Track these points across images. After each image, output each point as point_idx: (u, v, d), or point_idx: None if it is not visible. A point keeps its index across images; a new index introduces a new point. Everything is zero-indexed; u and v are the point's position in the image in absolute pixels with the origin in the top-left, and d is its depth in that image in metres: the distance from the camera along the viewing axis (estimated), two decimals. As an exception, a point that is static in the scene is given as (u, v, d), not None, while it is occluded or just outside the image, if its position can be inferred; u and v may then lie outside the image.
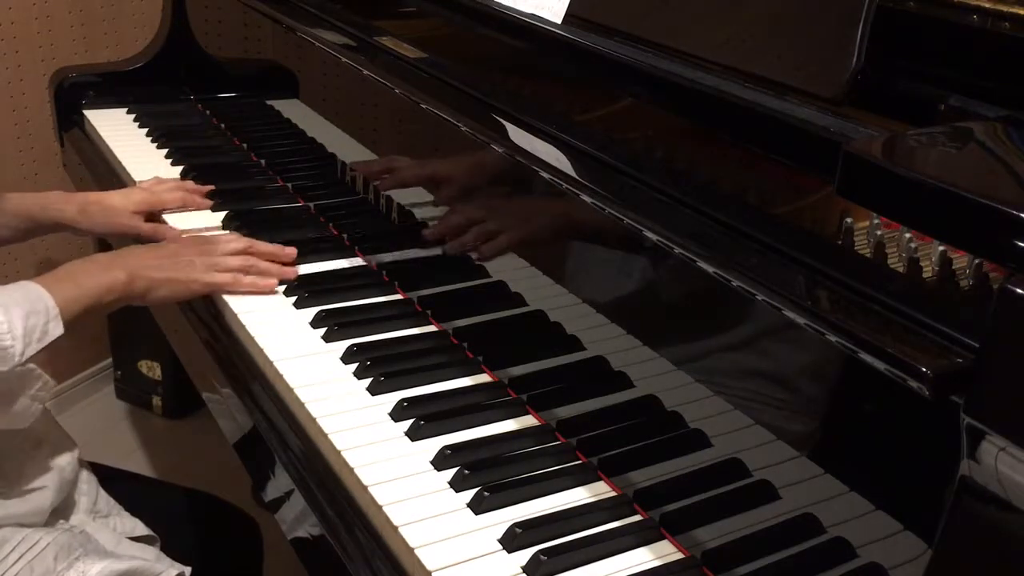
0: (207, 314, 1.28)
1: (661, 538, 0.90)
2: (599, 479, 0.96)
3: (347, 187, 1.50)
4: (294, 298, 1.25)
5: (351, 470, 0.95)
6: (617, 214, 0.94)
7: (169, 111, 1.91)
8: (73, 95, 1.93)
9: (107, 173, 1.72)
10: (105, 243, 1.65)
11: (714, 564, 0.86)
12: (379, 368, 1.10)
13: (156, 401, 2.53)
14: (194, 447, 2.39)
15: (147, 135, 1.79)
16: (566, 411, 1.03)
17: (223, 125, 1.86)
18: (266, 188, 1.60)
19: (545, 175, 1.03)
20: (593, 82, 1.14)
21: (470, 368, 1.12)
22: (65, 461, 1.19)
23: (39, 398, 1.07)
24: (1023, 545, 0.60)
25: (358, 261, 1.36)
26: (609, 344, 1.02)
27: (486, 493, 0.92)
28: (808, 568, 0.81)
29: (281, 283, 1.28)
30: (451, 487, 0.94)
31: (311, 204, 1.51)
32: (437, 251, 1.27)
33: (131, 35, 2.41)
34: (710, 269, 0.83)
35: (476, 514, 0.91)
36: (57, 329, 1.07)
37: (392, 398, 1.06)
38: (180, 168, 1.66)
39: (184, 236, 1.39)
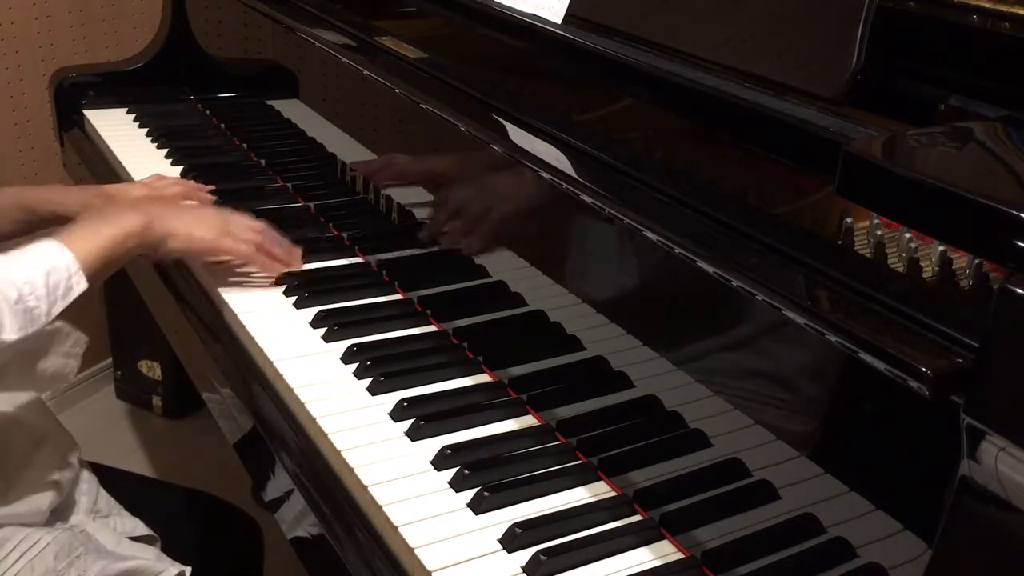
0: (207, 314, 1.28)
1: (661, 538, 0.90)
2: (599, 479, 0.96)
3: (347, 187, 1.50)
4: (294, 298, 1.25)
5: (351, 470, 0.95)
6: (617, 214, 0.94)
7: (169, 111, 1.91)
8: (73, 95, 1.93)
9: (107, 173, 1.72)
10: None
11: (714, 564, 0.86)
12: (379, 368, 1.10)
13: (156, 401, 2.53)
14: (194, 447, 2.39)
15: (147, 135, 1.79)
16: (566, 411, 1.03)
17: (223, 125, 1.86)
18: (266, 188, 1.60)
19: (545, 175, 1.03)
20: (593, 82, 1.14)
21: (470, 368, 1.12)
22: (66, 460, 1.19)
23: (73, 354, 1.06)
24: (1023, 545, 0.60)
25: (358, 261, 1.36)
26: (609, 344, 1.02)
27: (486, 493, 0.92)
28: (808, 568, 0.81)
29: (280, 283, 1.28)
30: (451, 487, 0.94)
31: (311, 204, 1.51)
32: (437, 251, 1.27)
33: (131, 35, 2.41)
34: (710, 269, 0.83)
35: (476, 514, 0.91)
36: (81, 284, 1.06)
37: (392, 398, 1.06)
38: (180, 168, 1.66)
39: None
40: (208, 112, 1.92)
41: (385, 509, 0.90)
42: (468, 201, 1.23)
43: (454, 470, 0.95)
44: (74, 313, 1.07)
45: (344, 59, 1.41)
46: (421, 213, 1.31)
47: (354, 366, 1.11)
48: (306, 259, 1.33)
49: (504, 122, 1.12)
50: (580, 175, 0.99)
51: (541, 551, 0.86)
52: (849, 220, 0.81)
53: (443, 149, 1.27)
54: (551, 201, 1.07)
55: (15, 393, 1.15)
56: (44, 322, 1.02)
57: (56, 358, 1.05)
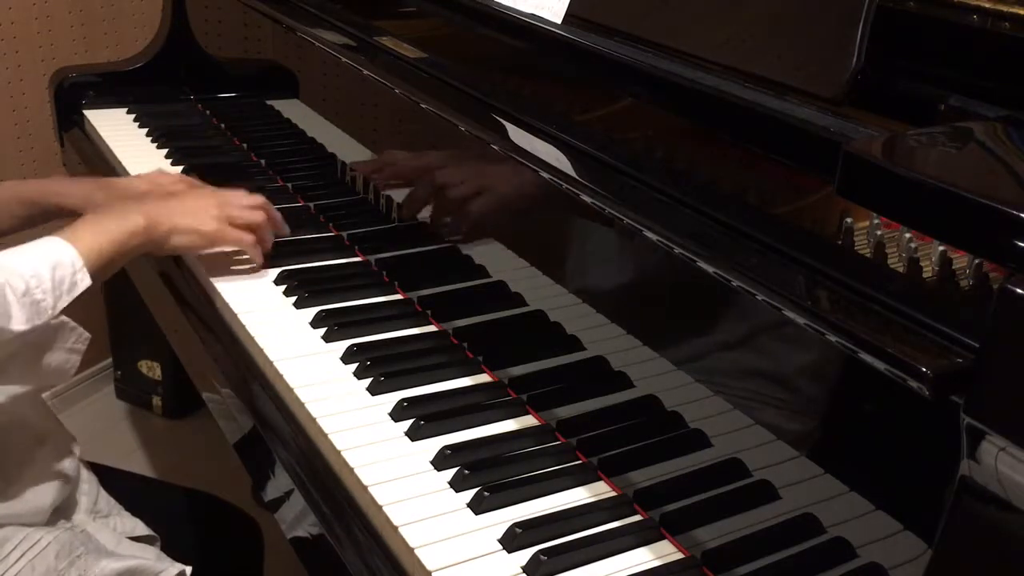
0: (207, 314, 1.28)
1: (661, 538, 0.90)
2: (599, 479, 0.96)
3: (347, 187, 1.50)
4: (294, 298, 1.25)
5: (351, 470, 0.95)
6: (617, 214, 0.94)
7: (169, 111, 1.91)
8: (73, 95, 1.93)
9: (107, 173, 1.72)
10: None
11: (714, 564, 0.86)
12: (379, 368, 1.10)
13: (156, 401, 2.53)
14: (194, 447, 2.39)
15: (147, 135, 1.79)
16: (566, 411, 1.03)
17: (223, 125, 1.86)
18: (266, 188, 1.59)
19: (545, 175, 1.03)
20: (593, 82, 1.14)
21: (470, 368, 1.12)
22: (66, 460, 1.19)
23: (75, 350, 1.07)
24: (1023, 545, 0.60)
25: (358, 261, 1.36)
26: (609, 344, 1.02)
27: (486, 493, 0.92)
28: (808, 568, 0.81)
29: (281, 283, 1.28)
30: (451, 487, 0.94)
31: (311, 204, 1.51)
32: (438, 251, 1.27)
33: (131, 35, 2.41)
34: (710, 269, 0.83)
35: (476, 514, 0.91)
36: (85, 280, 1.07)
37: (392, 398, 1.06)
38: (180, 168, 1.66)
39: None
40: (208, 112, 1.92)
41: (385, 509, 0.90)
42: (467, 199, 1.23)
43: (454, 470, 0.95)
44: (75, 313, 1.08)
45: (344, 59, 1.41)
46: (421, 213, 1.31)
47: (354, 366, 1.11)
48: (307, 259, 1.34)
49: (504, 122, 1.12)
50: (580, 175, 0.99)
51: (541, 551, 0.86)
52: (849, 220, 0.81)
53: (443, 149, 1.27)
54: (551, 201, 1.07)
55: (16, 392, 1.15)
56: (49, 316, 1.02)
57: (59, 353, 1.06)
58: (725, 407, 0.88)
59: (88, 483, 1.26)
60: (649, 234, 0.90)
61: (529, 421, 1.05)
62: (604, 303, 1.03)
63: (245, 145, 1.75)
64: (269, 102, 1.78)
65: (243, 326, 1.19)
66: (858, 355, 0.69)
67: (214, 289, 1.27)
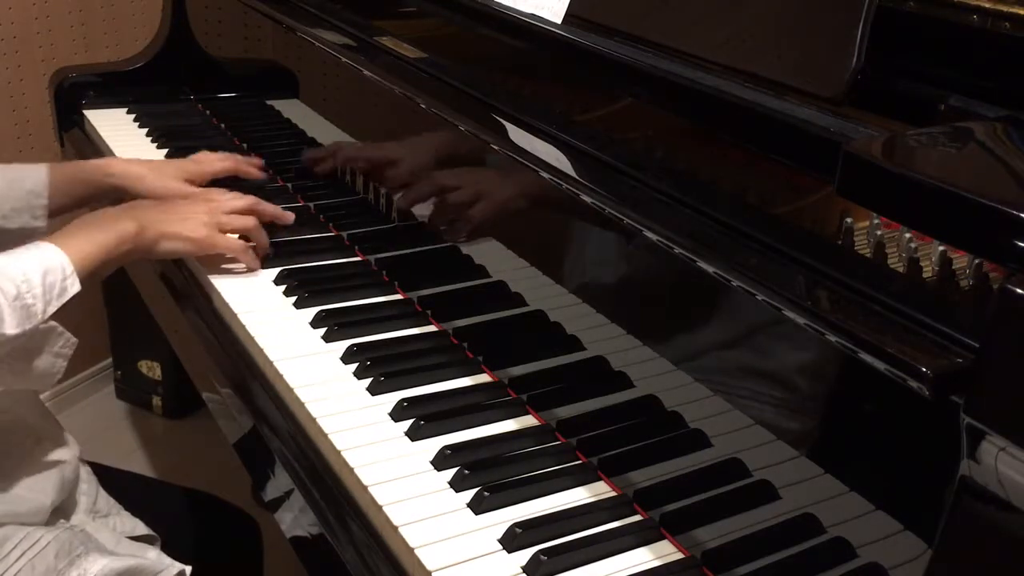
0: (207, 314, 1.28)
1: (661, 538, 0.90)
2: (599, 479, 0.96)
3: (347, 187, 1.50)
4: (294, 298, 1.25)
5: (351, 470, 0.95)
6: (617, 214, 0.94)
7: (169, 111, 1.91)
8: (73, 95, 1.93)
9: (107, 173, 1.72)
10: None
11: (714, 564, 0.86)
12: (379, 368, 1.10)
13: (156, 401, 2.53)
14: (194, 447, 2.39)
15: (147, 135, 1.79)
16: (566, 411, 1.03)
17: (223, 125, 1.86)
18: (266, 188, 1.59)
19: (545, 175, 1.03)
20: (593, 82, 1.14)
21: (470, 368, 1.12)
22: (66, 460, 1.19)
23: (62, 355, 1.08)
24: (1023, 545, 0.60)
25: (358, 261, 1.36)
26: (609, 344, 1.02)
27: (486, 493, 0.92)
28: (808, 568, 0.81)
29: (281, 282, 1.28)
30: (451, 487, 0.94)
31: (311, 204, 1.51)
32: (438, 251, 1.27)
33: (131, 35, 2.41)
34: (710, 269, 0.83)
35: (476, 514, 0.91)
36: (74, 286, 1.07)
37: (392, 398, 1.06)
38: (180, 168, 1.66)
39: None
40: (208, 112, 1.92)
41: (385, 509, 0.90)
42: (467, 200, 1.23)
43: (454, 470, 0.95)
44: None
45: (344, 59, 1.41)
46: (421, 213, 1.31)
47: (354, 366, 1.11)
48: (307, 259, 1.34)
49: (504, 122, 1.12)
50: (580, 175, 0.99)
51: (541, 551, 0.86)
52: (849, 220, 0.81)
53: (443, 149, 1.27)
54: (551, 201, 1.07)
55: (14, 392, 1.15)
56: (39, 320, 1.03)
57: (47, 357, 1.06)
58: (725, 407, 0.88)
59: (88, 483, 1.26)
60: (649, 234, 0.90)
61: (529, 421, 1.05)
62: (604, 303, 1.03)
63: (245, 145, 1.75)
64: (269, 102, 1.78)
65: (243, 326, 1.19)
66: (858, 355, 0.69)
67: (214, 289, 1.27)
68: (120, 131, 1.82)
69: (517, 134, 1.09)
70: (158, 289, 1.39)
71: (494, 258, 1.18)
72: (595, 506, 0.93)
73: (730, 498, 0.87)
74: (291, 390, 1.07)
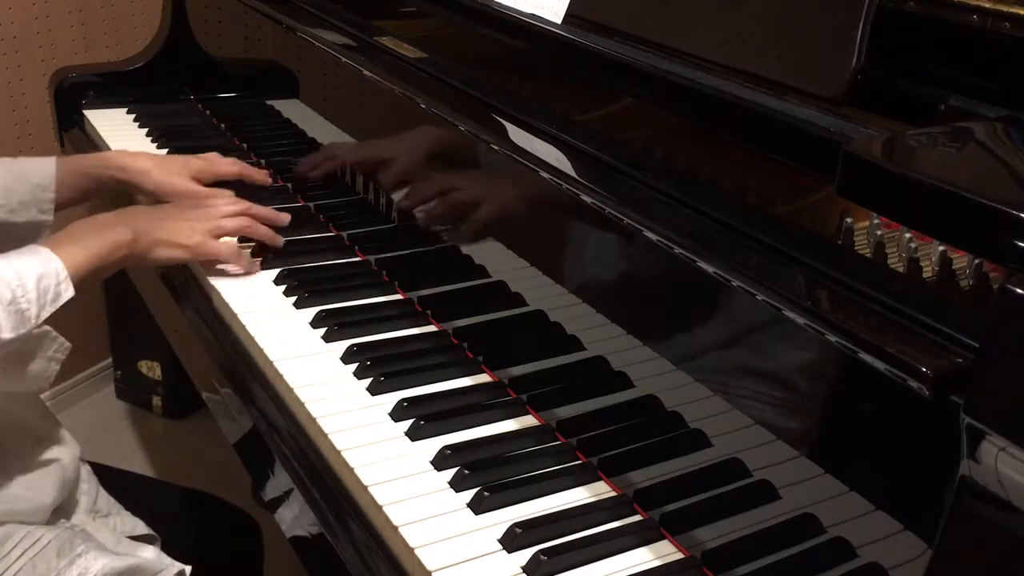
0: (207, 314, 1.28)
1: (661, 538, 0.90)
2: (599, 479, 0.96)
3: (347, 187, 1.50)
4: (294, 298, 1.25)
5: (351, 470, 0.95)
6: (617, 214, 0.94)
7: (169, 111, 1.91)
8: (73, 95, 1.93)
9: (107, 173, 1.72)
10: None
11: (714, 564, 0.86)
12: (379, 368, 1.10)
13: (156, 401, 2.53)
14: (194, 447, 2.39)
15: (147, 135, 1.79)
16: (566, 411, 1.03)
17: (223, 125, 1.86)
18: (266, 188, 1.59)
19: (545, 175, 1.03)
20: (593, 82, 1.14)
21: (470, 368, 1.12)
22: (67, 459, 1.19)
23: (55, 359, 1.08)
24: (1023, 545, 0.60)
25: (358, 261, 1.36)
26: (609, 344, 1.02)
27: (486, 493, 0.92)
28: (808, 568, 0.81)
29: (281, 282, 1.28)
30: (451, 487, 0.94)
31: (311, 204, 1.51)
32: (438, 251, 1.27)
33: (131, 35, 2.41)
34: (710, 269, 0.83)
35: (476, 514, 0.91)
36: (68, 291, 1.07)
37: (392, 398, 1.06)
38: (180, 168, 1.66)
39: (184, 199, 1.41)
40: (208, 112, 1.92)
41: (385, 509, 0.90)
42: (468, 201, 1.23)
43: (454, 470, 0.95)
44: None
45: (344, 59, 1.41)
46: (421, 214, 1.31)
47: (354, 366, 1.11)
48: (306, 259, 1.34)
49: (504, 122, 1.12)
50: (580, 175, 0.99)
51: (541, 551, 0.86)
52: (849, 220, 0.81)
53: (444, 149, 1.27)
54: (551, 201, 1.07)
55: (14, 393, 1.15)
56: (33, 325, 1.03)
57: (40, 362, 1.06)
58: (725, 407, 0.88)
59: (88, 483, 1.26)
60: (649, 234, 0.90)
61: (529, 421, 1.05)
62: (604, 303, 1.03)
63: (245, 145, 1.75)
64: (269, 102, 1.78)
65: (243, 326, 1.19)
66: (858, 355, 0.69)
67: (214, 289, 1.27)
68: (120, 131, 1.82)
69: (517, 134, 1.09)
70: (158, 289, 1.39)
71: (494, 258, 1.18)
72: (595, 506, 0.93)
73: (730, 498, 0.87)
74: (291, 390, 1.07)
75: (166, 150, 1.72)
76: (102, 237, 1.16)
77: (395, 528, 0.88)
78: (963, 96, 0.84)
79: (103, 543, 1.16)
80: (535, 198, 1.11)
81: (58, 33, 2.29)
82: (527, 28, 1.18)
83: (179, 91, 1.97)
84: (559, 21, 1.15)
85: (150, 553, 1.20)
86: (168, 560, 1.19)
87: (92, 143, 1.84)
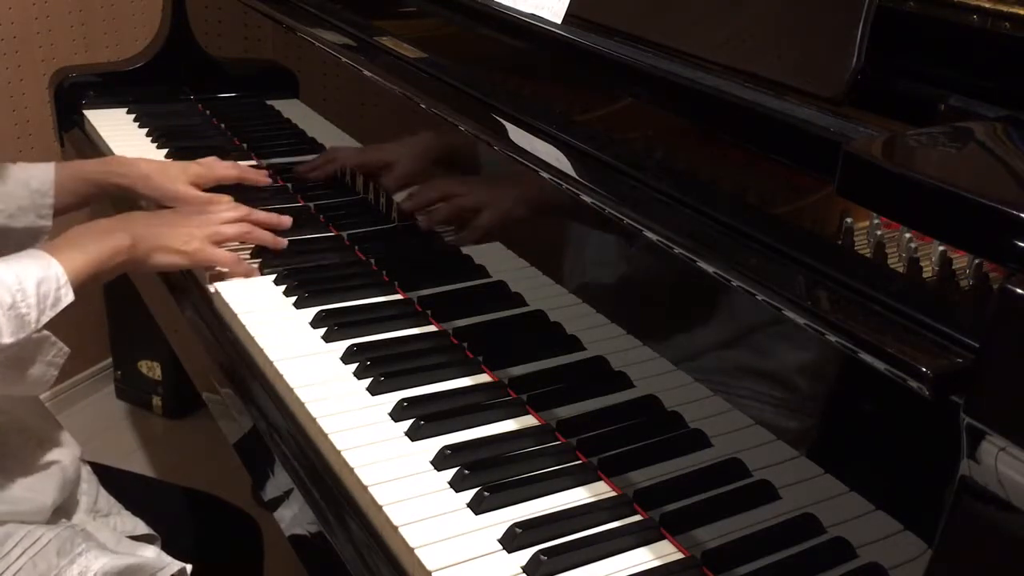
0: (207, 314, 1.28)
1: (661, 538, 0.90)
2: (599, 479, 0.96)
3: (347, 187, 1.50)
4: (294, 298, 1.25)
5: (351, 470, 0.95)
6: (617, 214, 0.94)
7: (169, 111, 1.91)
8: (73, 95, 1.93)
9: (107, 173, 1.72)
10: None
11: (714, 564, 0.86)
12: (379, 368, 1.10)
13: (156, 401, 2.53)
14: (194, 447, 2.39)
15: (147, 135, 1.79)
16: (566, 411, 1.03)
17: (223, 125, 1.86)
18: (266, 188, 1.59)
19: (545, 175, 1.03)
20: (593, 82, 1.14)
21: (470, 368, 1.12)
22: (67, 460, 1.19)
23: (54, 364, 1.08)
24: (1023, 545, 0.60)
25: (358, 261, 1.36)
26: (609, 344, 1.02)
27: (486, 493, 0.92)
28: (808, 568, 0.81)
29: (281, 282, 1.28)
30: (451, 487, 0.94)
31: (311, 204, 1.51)
32: (438, 251, 1.27)
33: (131, 35, 2.41)
34: (710, 269, 0.83)
35: (476, 514, 0.91)
36: (68, 296, 1.08)
37: (392, 398, 1.06)
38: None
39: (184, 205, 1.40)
40: (208, 112, 1.92)
41: (385, 509, 0.90)
42: (468, 203, 1.23)
43: (454, 470, 0.95)
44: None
45: (344, 59, 1.41)
46: (422, 216, 1.31)
47: (354, 366, 1.11)
48: (306, 258, 1.34)
49: (504, 122, 1.12)
50: (580, 175, 0.99)
51: (541, 551, 0.86)
52: (849, 220, 0.81)
53: (445, 150, 1.27)
54: (551, 201, 1.07)
55: (12, 396, 1.15)
56: (32, 330, 1.03)
57: (39, 366, 1.06)
58: (725, 407, 0.88)
59: (88, 483, 1.26)
60: (649, 234, 0.90)
61: (529, 421, 1.05)
62: (604, 303, 1.03)
63: (245, 145, 1.75)
64: (269, 102, 1.78)
65: (243, 326, 1.19)
66: (858, 355, 0.69)
67: (214, 289, 1.27)
68: (120, 131, 1.82)
69: (517, 134, 1.09)
70: (158, 289, 1.39)
71: (494, 258, 1.18)
72: (595, 506, 0.93)
73: (730, 498, 0.87)
74: (291, 390, 1.07)
75: (166, 150, 1.72)
76: (102, 242, 1.16)
77: (395, 528, 0.88)
78: (963, 96, 0.84)
79: (103, 543, 1.16)
80: (535, 198, 1.11)
81: (58, 33, 2.29)
82: (527, 28, 1.18)
83: (179, 91, 1.98)
84: (559, 21, 1.15)
85: (150, 552, 1.20)
86: (168, 559, 1.19)
87: (92, 143, 1.84)
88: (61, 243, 1.14)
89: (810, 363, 0.81)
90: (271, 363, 1.12)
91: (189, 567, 1.19)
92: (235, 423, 1.15)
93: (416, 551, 0.86)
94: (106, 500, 1.28)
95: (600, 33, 1.10)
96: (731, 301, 0.85)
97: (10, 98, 2.22)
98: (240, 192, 1.47)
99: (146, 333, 2.28)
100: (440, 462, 0.96)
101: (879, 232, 0.78)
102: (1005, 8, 0.86)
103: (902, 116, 0.85)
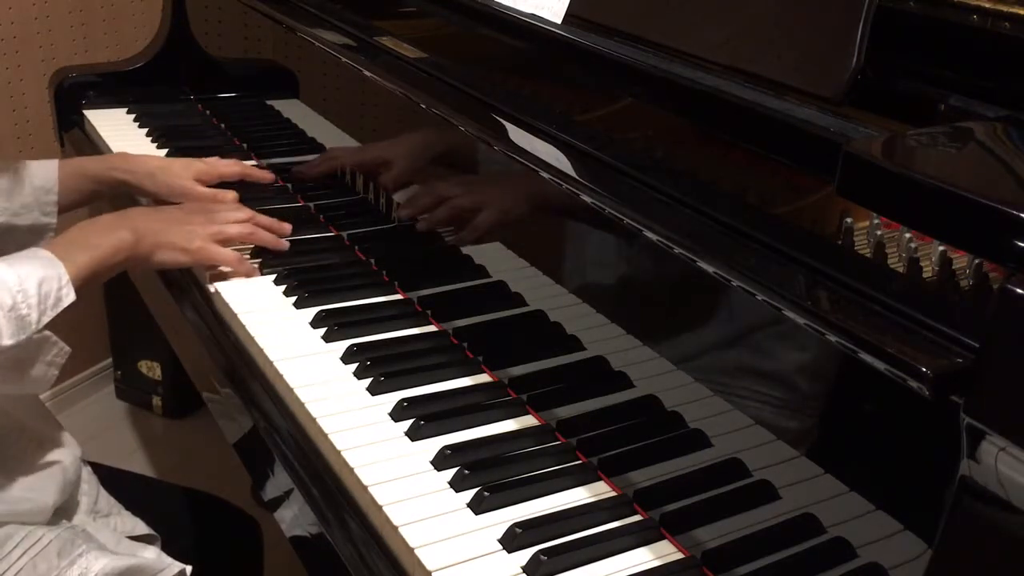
0: (207, 314, 1.28)
1: (661, 538, 0.90)
2: (599, 479, 0.96)
3: (347, 187, 1.50)
4: (294, 298, 1.25)
5: (351, 470, 0.95)
6: (617, 214, 0.94)
7: (169, 111, 1.91)
8: (73, 95, 1.93)
9: (107, 173, 1.72)
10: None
11: (714, 564, 0.86)
12: (379, 368, 1.10)
13: (156, 401, 2.53)
14: (194, 447, 2.39)
15: (147, 135, 1.80)
16: (566, 411, 1.03)
17: (223, 125, 1.86)
18: (267, 187, 1.59)
19: (545, 175, 1.03)
20: (593, 82, 1.14)
21: (470, 368, 1.12)
22: (68, 460, 1.19)
23: (55, 364, 1.08)
24: (1023, 545, 0.60)
25: (358, 261, 1.36)
26: (609, 344, 1.02)
27: (486, 493, 0.92)
28: (808, 568, 0.81)
29: (281, 282, 1.28)
30: (451, 487, 0.94)
31: (311, 204, 1.51)
32: (438, 251, 1.27)
33: (131, 35, 2.41)
34: (710, 269, 0.83)
35: (476, 514, 0.91)
36: (70, 295, 1.07)
37: (392, 398, 1.06)
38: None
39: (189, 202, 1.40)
40: (208, 112, 1.92)
41: (385, 509, 0.90)
42: (468, 204, 1.23)
43: (454, 470, 0.95)
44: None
45: (344, 59, 1.41)
46: (422, 216, 1.31)
47: (354, 366, 1.11)
48: (306, 259, 1.34)
49: (504, 122, 1.12)
50: (580, 175, 0.99)
51: (541, 551, 0.86)
52: (849, 220, 0.81)
53: (445, 150, 1.27)
54: (551, 201, 1.07)
55: (13, 396, 1.15)
56: (33, 330, 1.03)
57: (40, 367, 1.06)
58: (725, 407, 0.88)
59: (88, 483, 1.26)
60: (649, 234, 0.90)
61: (529, 421, 1.05)
62: (604, 303, 1.03)
63: (245, 145, 1.75)
64: (269, 102, 1.78)
65: (243, 326, 1.19)
66: (858, 355, 0.69)
67: (214, 289, 1.27)
68: (120, 131, 1.82)
69: (517, 134, 1.09)
70: (158, 289, 1.39)
71: (494, 258, 1.18)
72: (595, 506, 0.93)
73: (730, 498, 0.87)
74: (291, 390, 1.07)
75: (166, 150, 1.72)
76: (104, 240, 1.15)
77: (395, 528, 0.88)
78: (963, 96, 0.84)
79: (104, 543, 1.16)
80: (535, 199, 1.11)
81: (58, 33, 2.29)
82: (527, 28, 1.18)
83: (179, 91, 1.98)
84: (559, 21, 1.15)
85: (151, 553, 1.20)
86: (168, 560, 1.19)
87: (92, 143, 1.84)
88: (63, 241, 1.14)
89: (810, 363, 0.81)
90: (271, 363, 1.12)
91: (189, 568, 1.19)
92: (235, 423, 1.15)
93: (416, 551, 0.86)
94: (106, 500, 1.28)
95: (600, 33, 1.10)
96: (731, 301, 0.85)
97: (10, 98, 2.22)
98: (242, 191, 1.47)
99: (146, 333, 2.28)
100: (440, 462, 0.96)
101: (879, 232, 0.78)
102: (1005, 8, 0.86)
103: (902, 116, 0.85)
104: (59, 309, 1.05)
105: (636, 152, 1.02)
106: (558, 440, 1.01)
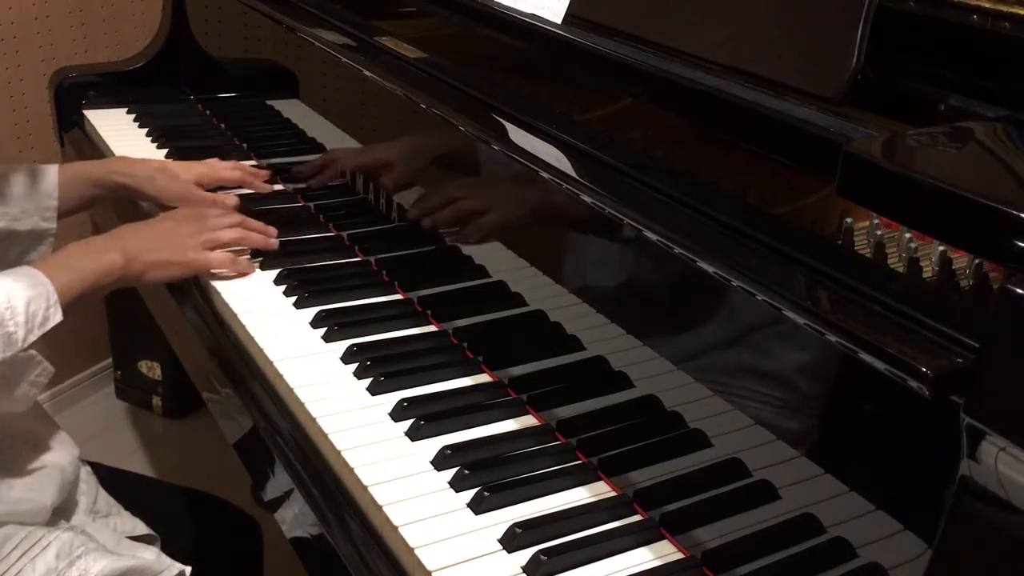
0: (207, 314, 1.28)
1: (661, 538, 0.90)
2: (599, 479, 0.96)
3: (347, 187, 1.50)
4: (294, 298, 1.25)
5: (351, 470, 0.95)
6: (617, 214, 0.94)
7: (169, 111, 1.91)
8: (73, 95, 1.93)
9: (107, 173, 1.72)
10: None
11: (714, 564, 0.86)
12: (379, 368, 1.10)
13: (156, 401, 2.53)
14: (194, 447, 2.39)
15: (147, 135, 1.80)
16: (566, 411, 1.03)
17: (223, 125, 1.86)
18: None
19: (545, 175, 1.03)
20: (593, 82, 1.14)
21: (470, 368, 1.12)
22: (66, 461, 1.19)
23: (38, 383, 1.07)
24: (1023, 545, 0.60)
25: (358, 261, 1.36)
26: (609, 344, 1.02)
27: (486, 493, 0.92)
28: (808, 568, 0.81)
29: (281, 282, 1.28)
30: (451, 487, 0.94)
31: (311, 204, 1.51)
32: (438, 251, 1.27)
33: (131, 35, 2.41)
34: (710, 269, 0.83)
35: (476, 514, 0.91)
36: (57, 315, 1.07)
37: (392, 398, 1.06)
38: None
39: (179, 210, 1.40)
40: (208, 112, 1.92)
41: (385, 509, 0.90)
42: (468, 204, 1.23)
43: (454, 470, 0.95)
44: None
45: (344, 59, 1.41)
46: (422, 217, 1.31)
47: (354, 366, 1.11)
48: (306, 259, 1.34)
49: (504, 122, 1.12)
50: (580, 175, 0.99)
51: (541, 551, 0.86)
52: (849, 220, 0.81)
53: (443, 150, 1.27)
54: (551, 201, 1.07)
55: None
56: (19, 348, 1.02)
57: (23, 386, 1.06)
58: (725, 407, 0.88)
59: (88, 483, 1.26)
60: (649, 234, 0.90)
61: (529, 421, 1.05)
62: (604, 303, 1.03)
63: (245, 145, 1.75)
64: (269, 102, 1.78)
65: (243, 326, 1.19)
66: (858, 355, 0.69)
67: (214, 289, 1.27)
68: (120, 131, 1.82)
69: (517, 134, 1.09)
70: (158, 289, 1.39)
71: (494, 258, 1.18)
72: (595, 506, 0.93)
73: (730, 498, 0.87)
74: (291, 390, 1.07)
75: (166, 150, 1.72)
76: (95, 263, 1.15)
77: (395, 528, 0.88)
78: (963, 96, 0.84)
79: (103, 544, 1.16)
80: (535, 199, 1.11)
81: (58, 33, 2.29)
82: (527, 28, 1.18)
83: (179, 91, 1.98)
84: (559, 21, 1.14)
85: (150, 554, 1.20)
86: (168, 561, 1.19)
87: (92, 143, 1.84)
88: (54, 261, 1.14)
89: (810, 363, 0.81)
90: (271, 363, 1.12)
91: (188, 569, 1.18)
92: (235, 423, 1.15)
93: (416, 551, 0.86)
94: (105, 501, 1.28)
95: (600, 33, 1.10)
96: (731, 301, 0.85)
97: (10, 98, 2.22)
98: (241, 193, 1.47)
99: (146, 333, 2.28)
100: (440, 462, 0.96)
101: (879, 232, 0.78)
102: (1005, 8, 0.86)
103: (902, 116, 0.85)
104: (45, 328, 1.05)
105: (636, 152, 1.02)
106: (558, 440, 1.01)
